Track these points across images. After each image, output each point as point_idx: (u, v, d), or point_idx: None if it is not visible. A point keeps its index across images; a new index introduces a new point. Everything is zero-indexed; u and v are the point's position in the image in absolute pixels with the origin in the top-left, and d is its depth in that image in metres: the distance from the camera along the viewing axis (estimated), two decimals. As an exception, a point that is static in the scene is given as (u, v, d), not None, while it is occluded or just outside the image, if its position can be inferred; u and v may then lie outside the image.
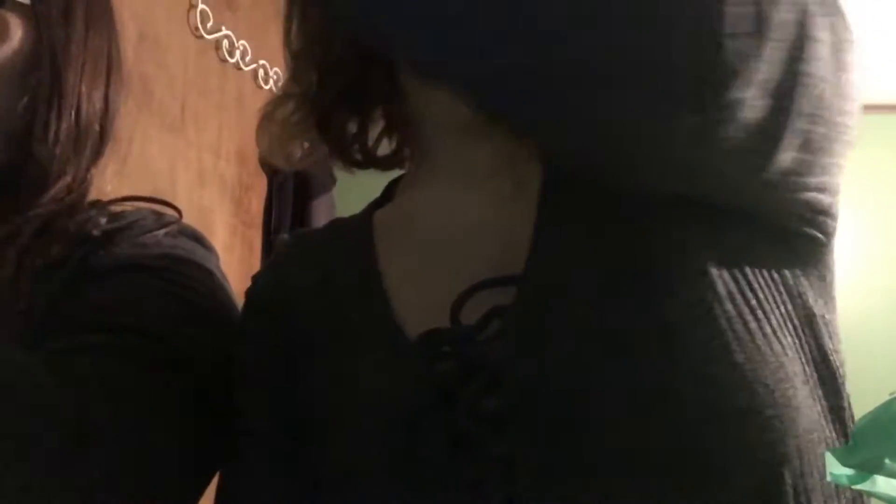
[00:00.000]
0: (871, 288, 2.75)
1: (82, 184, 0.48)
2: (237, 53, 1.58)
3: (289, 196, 1.80)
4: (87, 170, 0.48)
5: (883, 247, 2.77)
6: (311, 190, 1.83)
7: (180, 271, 0.46)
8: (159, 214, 0.50)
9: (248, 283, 0.46)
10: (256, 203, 1.74)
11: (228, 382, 0.42)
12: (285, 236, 1.85)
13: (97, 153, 0.49)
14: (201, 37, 1.43)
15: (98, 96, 0.49)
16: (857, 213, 2.81)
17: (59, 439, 0.34)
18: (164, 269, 0.45)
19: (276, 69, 1.80)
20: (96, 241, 0.45)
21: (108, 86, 0.49)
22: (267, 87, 1.76)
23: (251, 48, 1.64)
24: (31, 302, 0.42)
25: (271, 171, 1.80)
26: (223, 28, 1.50)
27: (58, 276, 0.44)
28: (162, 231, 0.48)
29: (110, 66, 0.50)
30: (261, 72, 1.72)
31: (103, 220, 0.47)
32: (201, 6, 1.41)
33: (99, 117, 0.49)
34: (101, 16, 0.49)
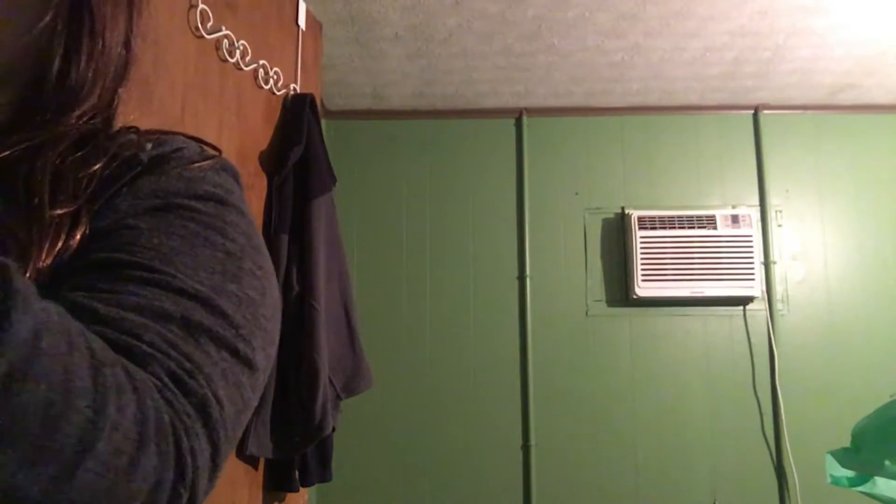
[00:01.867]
0: (871, 288, 2.75)
1: (109, 106, 0.49)
2: (237, 53, 1.58)
3: (289, 196, 1.80)
4: (114, 91, 0.49)
5: (883, 247, 2.77)
6: (311, 190, 1.83)
7: (222, 220, 0.46)
8: (200, 146, 0.51)
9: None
10: (256, 203, 1.74)
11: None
12: (285, 236, 1.86)
13: (122, 76, 0.50)
14: (201, 37, 1.43)
15: (122, 18, 0.50)
16: (858, 212, 2.81)
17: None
18: (208, 218, 0.46)
19: (276, 69, 1.80)
20: (144, 166, 0.46)
21: (129, 12, 0.51)
22: (267, 87, 1.76)
23: (251, 48, 1.64)
24: (68, 211, 0.42)
25: (271, 171, 1.80)
26: (223, 28, 1.50)
27: (104, 193, 0.44)
28: (207, 163, 0.49)
29: (134, 14, 0.52)
30: (261, 72, 1.72)
31: (148, 146, 0.48)
32: (201, 6, 1.41)
33: (122, 40, 0.50)
34: None
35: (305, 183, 1.83)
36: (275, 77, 1.80)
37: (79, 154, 0.45)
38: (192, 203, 0.46)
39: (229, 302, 0.42)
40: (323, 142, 1.94)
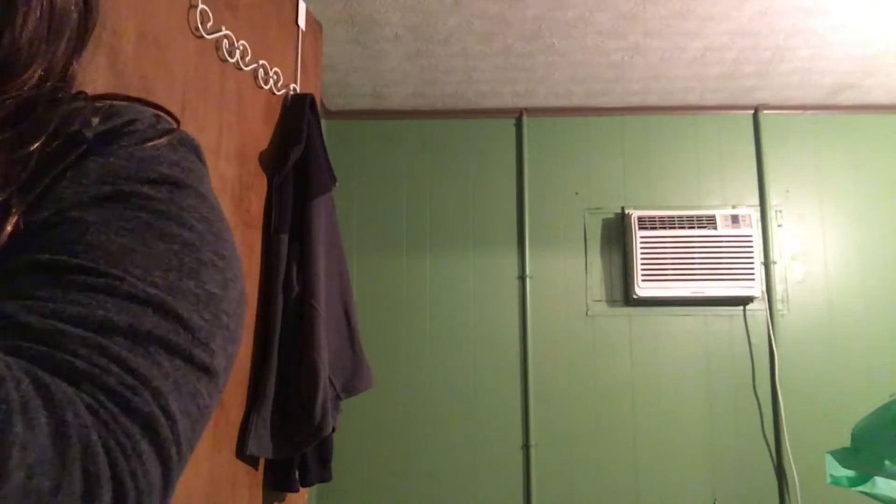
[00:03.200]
0: (872, 288, 2.75)
1: (62, 77, 0.42)
2: (237, 53, 1.58)
3: (289, 196, 1.80)
4: (66, 60, 0.43)
5: (883, 246, 2.77)
6: (311, 190, 1.83)
7: (178, 208, 0.42)
8: (156, 116, 0.46)
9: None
10: (256, 203, 1.74)
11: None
12: (285, 236, 1.86)
13: (77, 43, 0.43)
14: (201, 37, 1.43)
15: None
16: (857, 213, 2.81)
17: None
18: (163, 206, 0.41)
19: (275, 69, 1.80)
20: (90, 143, 0.41)
21: None
22: (266, 87, 1.76)
23: (251, 48, 1.64)
24: (2, 198, 0.38)
25: (271, 171, 1.80)
26: (223, 28, 1.50)
27: (41, 179, 0.39)
28: (162, 140, 0.44)
29: None
30: (261, 72, 1.72)
31: (95, 120, 0.43)
32: (201, 6, 1.41)
33: (76, 3, 0.43)
34: None
35: (305, 183, 1.83)
36: (275, 77, 1.80)
37: (13, 131, 0.39)
38: (145, 189, 0.41)
39: (185, 303, 0.39)
40: (323, 142, 1.94)
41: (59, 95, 0.42)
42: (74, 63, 0.43)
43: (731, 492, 2.65)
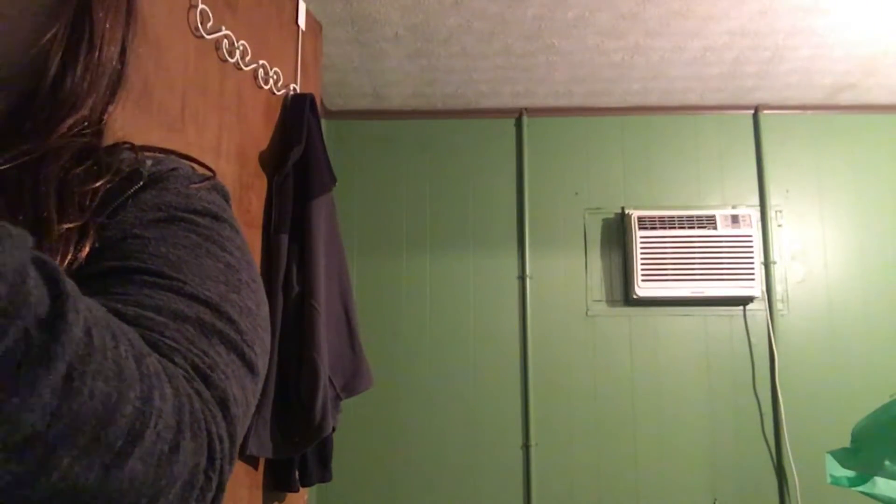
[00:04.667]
0: (872, 288, 2.75)
1: (99, 122, 0.51)
2: (237, 53, 1.58)
3: (289, 196, 1.80)
4: (104, 108, 0.51)
5: (883, 246, 2.77)
6: (311, 190, 1.83)
7: (219, 234, 0.48)
8: (192, 168, 0.54)
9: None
10: (256, 203, 1.74)
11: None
12: (285, 236, 1.86)
13: (115, 90, 0.52)
14: (201, 37, 1.43)
15: (118, 37, 0.51)
16: (858, 213, 2.81)
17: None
18: (207, 230, 0.48)
19: (275, 69, 1.80)
20: (146, 180, 0.48)
21: (126, 28, 0.52)
22: (267, 87, 1.76)
23: (251, 48, 1.64)
24: (76, 225, 0.44)
25: (271, 171, 1.80)
26: (223, 28, 1.50)
27: (107, 206, 0.46)
28: (203, 184, 0.51)
29: (130, 11, 0.53)
30: (261, 72, 1.72)
31: (149, 163, 0.50)
32: (201, 6, 1.41)
33: (118, 53, 0.51)
34: None
35: (305, 183, 1.83)
36: (275, 77, 1.80)
37: (81, 168, 0.47)
38: (192, 217, 0.48)
39: (233, 310, 0.44)
40: (323, 142, 1.94)
41: (111, 144, 0.51)
42: (109, 111, 0.51)
43: (731, 492, 2.65)
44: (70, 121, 0.47)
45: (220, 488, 0.37)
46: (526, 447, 2.71)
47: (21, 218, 0.42)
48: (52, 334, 0.27)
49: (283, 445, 1.73)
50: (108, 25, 0.50)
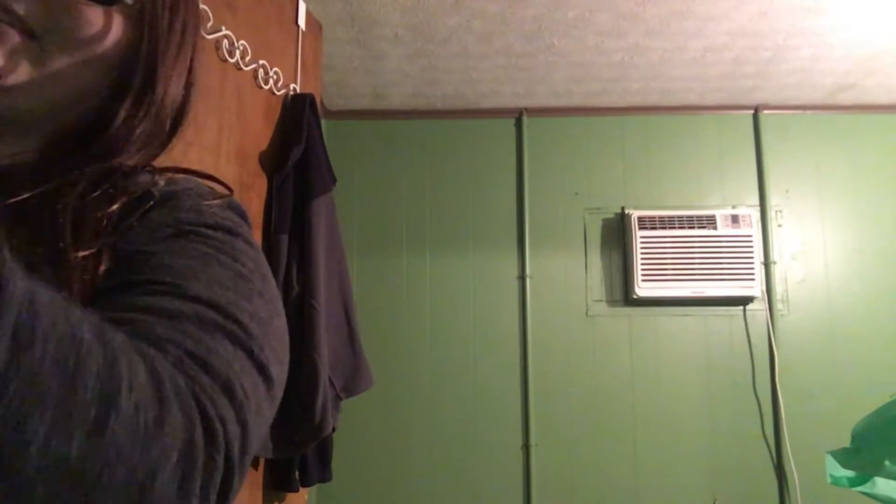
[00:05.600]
0: (871, 288, 2.75)
1: (154, 156, 0.53)
2: (237, 53, 1.58)
3: (289, 196, 1.80)
4: (149, 159, 0.53)
5: (883, 247, 2.77)
6: (311, 190, 1.83)
7: (231, 247, 0.48)
8: (210, 187, 0.54)
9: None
10: (256, 203, 1.74)
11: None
12: (285, 236, 1.85)
13: (164, 145, 0.54)
14: (201, 37, 1.42)
15: (177, 98, 0.53)
16: (857, 213, 2.81)
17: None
18: (218, 242, 0.47)
19: (276, 69, 1.80)
20: (156, 200, 0.48)
21: (186, 91, 0.55)
22: (267, 87, 1.76)
23: (251, 48, 1.64)
24: (91, 252, 0.44)
25: (271, 171, 1.80)
26: (223, 28, 1.50)
27: (119, 228, 0.46)
28: (216, 202, 0.51)
29: (191, 72, 0.55)
30: (261, 72, 1.72)
31: (161, 183, 0.51)
32: (201, 6, 1.41)
33: (173, 112, 0.53)
34: (194, 26, 0.55)
35: (305, 183, 1.83)
36: (275, 77, 1.80)
37: (97, 193, 0.47)
38: (203, 230, 0.47)
39: (242, 314, 0.42)
40: (323, 142, 1.94)
41: (133, 167, 0.51)
42: (154, 159, 0.53)
43: (731, 492, 2.65)
44: (116, 161, 0.48)
45: (232, 470, 0.36)
46: (526, 447, 2.71)
47: (40, 251, 0.43)
48: None
49: (283, 445, 1.73)
50: (170, 87, 0.51)
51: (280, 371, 0.45)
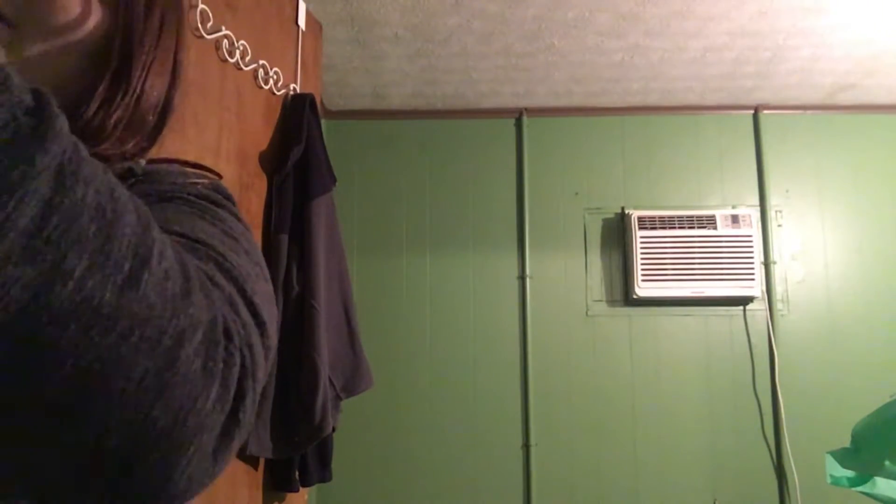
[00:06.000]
0: (871, 288, 2.75)
1: (132, 157, 0.52)
2: (237, 53, 1.58)
3: (289, 196, 1.80)
4: (140, 150, 0.52)
5: (883, 247, 2.77)
6: (311, 190, 1.83)
7: (216, 212, 0.48)
8: (195, 171, 0.54)
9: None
10: (256, 203, 1.74)
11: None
12: (285, 236, 1.85)
13: (148, 143, 0.53)
14: (201, 37, 1.43)
15: (159, 91, 0.52)
16: (857, 213, 2.81)
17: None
18: (203, 206, 0.47)
19: (276, 69, 1.80)
20: (139, 177, 0.49)
21: (171, 85, 0.53)
22: (267, 87, 1.76)
23: (251, 48, 1.64)
24: None
25: (271, 171, 1.80)
26: (223, 28, 1.50)
27: None
28: (201, 181, 0.52)
29: (176, 67, 0.54)
30: (261, 72, 1.72)
31: (143, 162, 0.51)
32: (201, 6, 1.41)
33: (156, 110, 0.52)
34: (175, 19, 0.54)
35: (305, 183, 1.83)
36: (275, 77, 1.80)
37: None
38: (188, 196, 0.47)
39: (230, 257, 0.42)
40: (323, 142, 1.94)
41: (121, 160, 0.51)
42: (138, 158, 0.52)
43: (731, 492, 2.65)
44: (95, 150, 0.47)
45: (246, 375, 0.36)
46: (526, 447, 2.71)
47: None
48: (40, 120, 0.27)
49: (283, 445, 1.73)
50: (147, 81, 0.50)
51: (271, 326, 0.44)
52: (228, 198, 0.54)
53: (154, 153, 0.55)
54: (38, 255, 0.27)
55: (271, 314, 0.45)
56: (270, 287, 0.48)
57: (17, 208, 0.26)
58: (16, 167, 0.26)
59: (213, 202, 0.49)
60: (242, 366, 0.36)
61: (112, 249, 0.29)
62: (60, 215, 0.27)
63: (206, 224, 0.45)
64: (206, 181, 0.52)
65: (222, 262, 0.41)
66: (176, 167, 0.52)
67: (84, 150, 0.30)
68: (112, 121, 0.48)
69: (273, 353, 0.44)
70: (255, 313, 0.40)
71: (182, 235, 0.41)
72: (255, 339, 0.39)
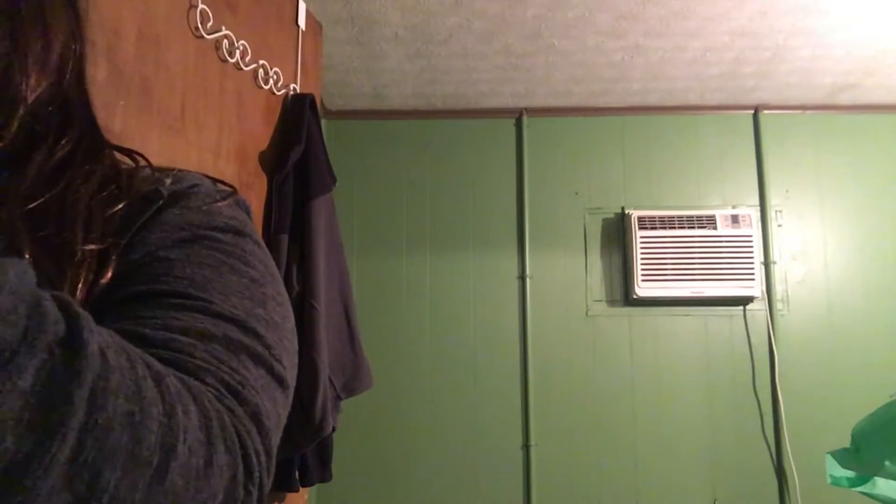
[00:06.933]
0: (872, 288, 2.75)
1: (85, 119, 0.51)
2: (237, 53, 1.58)
3: (289, 196, 1.80)
4: (66, 94, 0.48)
5: (883, 247, 2.77)
6: (311, 190, 1.83)
7: (242, 253, 0.49)
8: (214, 182, 0.55)
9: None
10: (256, 203, 1.74)
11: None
12: (285, 236, 1.85)
13: (79, 76, 0.50)
14: (201, 37, 1.43)
15: (64, 26, 0.48)
16: (858, 212, 2.81)
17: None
18: (229, 246, 0.49)
19: (276, 69, 1.80)
20: (165, 199, 0.49)
21: (77, 40, 0.49)
22: (267, 87, 1.76)
23: (251, 48, 1.64)
24: (97, 248, 0.45)
25: (271, 171, 1.80)
26: (223, 28, 1.50)
27: (129, 229, 0.47)
28: (225, 201, 0.52)
29: (81, 27, 0.50)
30: (261, 72, 1.72)
31: (168, 181, 0.51)
32: (201, 6, 1.41)
33: (64, 42, 0.48)
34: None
35: (305, 183, 1.83)
36: (275, 77, 1.80)
37: (104, 193, 0.48)
38: (214, 234, 0.49)
39: (259, 324, 0.45)
40: (323, 142, 1.94)
41: (132, 167, 0.53)
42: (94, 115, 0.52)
43: (731, 492, 2.65)
44: (20, 112, 0.44)
45: (262, 499, 0.38)
46: (526, 447, 2.71)
47: (43, 244, 0.43)
48: (74, 350, 0.28)
49: (283, 445, 1.73)
50: (51, 15, 0.46)
51: (293, 375, 0.47)
52: (247, 211, 0.55)
53: (154, 154, 0.54)
54: (76, 479, 0.28)
55: (294, 359, 0.48)
56: (293, 319, 0.51)
57: (59, 448, 0.27)
58: (54, 409, 0.27)
59: (237, 232, 0.50)
60: (260, 488, 0.38)
61: (141, 452, 0.30)
62: (94, 436, 0.28)
63: (235, 280, 0.46)
64: (228, 201, 0.53)
65: (253, 349, 0.43)
66: (198, 182, 0.53)
67: (108, 343, 0.31)
68: (21, 75, 0.44)
69: (290, 400, 0.47)
70: (282, 383, 0.44)
71: (221, 316, 0.43)
72: (276, 422, 0.42)
